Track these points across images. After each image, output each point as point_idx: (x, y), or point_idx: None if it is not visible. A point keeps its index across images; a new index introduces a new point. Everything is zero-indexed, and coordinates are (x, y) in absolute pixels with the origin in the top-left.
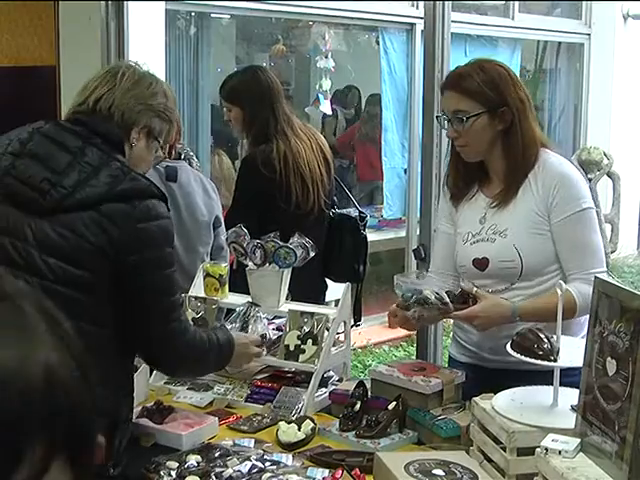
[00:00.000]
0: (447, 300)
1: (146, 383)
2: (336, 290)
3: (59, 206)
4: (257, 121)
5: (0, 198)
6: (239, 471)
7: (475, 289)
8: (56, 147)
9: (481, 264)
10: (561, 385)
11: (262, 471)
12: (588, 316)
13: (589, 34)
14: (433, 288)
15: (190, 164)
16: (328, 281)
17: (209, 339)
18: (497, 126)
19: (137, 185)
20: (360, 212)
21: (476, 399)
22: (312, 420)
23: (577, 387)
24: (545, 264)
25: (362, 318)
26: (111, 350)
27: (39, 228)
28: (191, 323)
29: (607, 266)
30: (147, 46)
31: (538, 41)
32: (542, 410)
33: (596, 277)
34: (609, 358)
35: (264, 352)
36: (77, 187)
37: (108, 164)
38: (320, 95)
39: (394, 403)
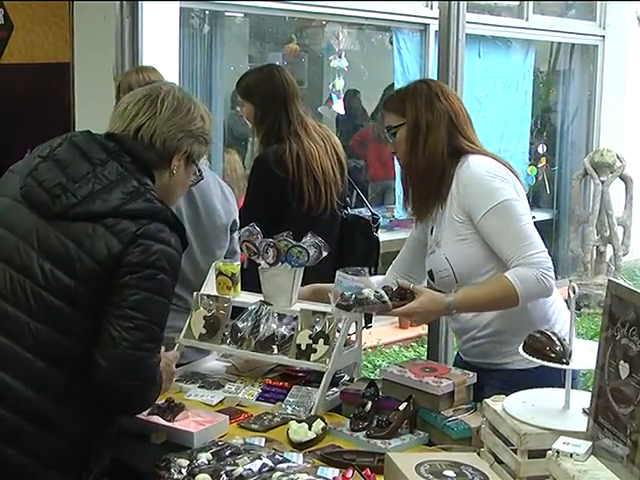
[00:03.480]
0: (387, 299)
1: None
2: None
3: (66, 213)
4: (268, 120)
5: (20, 198)
6: (249, 469)
7: (412, 285)
8: (80, 156)
9: (430, 275)
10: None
11: (272, 470)
12: (552, 309)
13: (603, 36)
14: (372, 286)
15: None
16: None
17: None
18: (408, 138)
19: (149, 207)
20: (373, 214)
21: (487, 401)
22: (323, 419)
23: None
24: (476, 266)
25: (373, 319)
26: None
27: (44, 232)
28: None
29: (618, 269)
30: (161, 44)
31: (552, 42)
32: (554, 412)
33: (609, 280)
34: (622, 361)
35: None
36: (87, 198)
37: (125, 182)
38: (333, 95)
39: (405, 404)
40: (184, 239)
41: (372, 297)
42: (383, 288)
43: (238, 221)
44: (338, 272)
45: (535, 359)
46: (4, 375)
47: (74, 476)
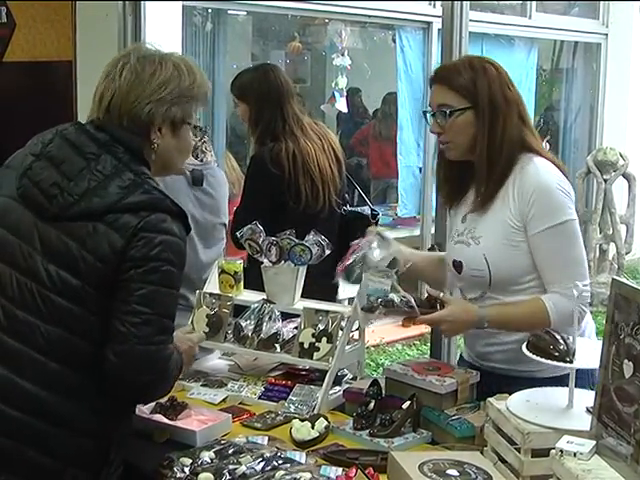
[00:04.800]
0: (414, 304)
1: None
2: (348, 288)
3: (64, 213)
4: (263, 119)
5: (17, 198)
6: (252, 468)
7: (441, 294)
8: (73, 152)
9: (457, 267)
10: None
11: (275, 469)
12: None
13: (606, 34)
14: (398, 290)
15: (204, 154)
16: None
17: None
18: (481, 124)
19: (148, 198)
20: (372, 209)
21: (491, 399)
22: (326, 418)
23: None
24: (517, 275)
25: None
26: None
27: (45, 233)
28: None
29: (621, 267)
30: (163, 42)
31: (555, 40)
32: (557, 411)
33: (613, 279)
34: (626, 360)
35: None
36: (84, 196)
37: (120, 175)
38: (336, 92)
39: (408, 402)
40: (187, 224)
41: (398, 301)
42: (413, 297)
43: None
44: (364, 274)
45: (539, 358)
46: (18, 378)
47: (95, 471)
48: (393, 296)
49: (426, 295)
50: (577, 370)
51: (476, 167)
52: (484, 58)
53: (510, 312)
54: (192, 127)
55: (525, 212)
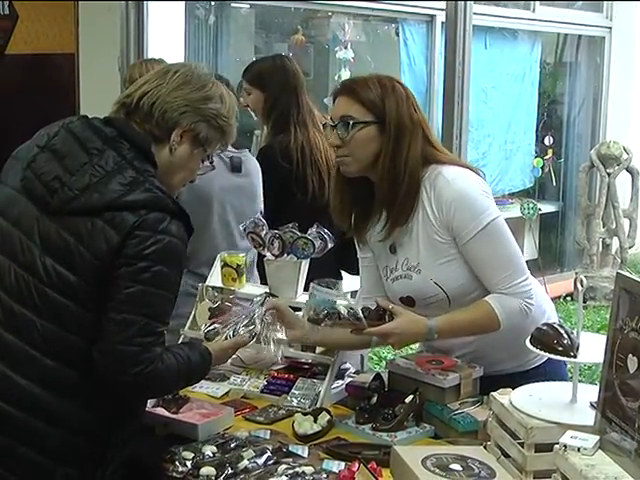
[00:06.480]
0: (361, 315)
1: None
2: (350, 282)
3: (64, 208)
4: (278, 107)
5: (21, 190)
6: (254, 462)
7: (391, 305)
8: (77, 146)
9: (408, 302)
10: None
11: (278, 463)
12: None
13: (610, 27)
14: (348, 302)
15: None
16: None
17: (179, 368)
18: (384, 141)
19: (148, 197)
20: None
21: (494, 394)
22: (328, 412)
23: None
24: (470, 283)
25: None
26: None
27: (44, 226)
28: (165, 357)
29: (624, 261)
30: (166, 35)
31: (558, 34)
32: (561, 406)
33: (618, 273)
34: (630, 355)
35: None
36: (85, 191)
37: (122, 172)
38: None
39: (411, 396)
40: (188, 225)
41: (345, 313)
42: (361, 309)
43: None
44: (312, 284)
45: (543, 352)
46: (13, 373)
47: (89, 472)
48: (340, 307)
49: (375, 306)
50: (551, 361)
51: (377, 188)
52: (394, 78)
53: (458, 319)
54: (206, 156)
55: (450, 224)
